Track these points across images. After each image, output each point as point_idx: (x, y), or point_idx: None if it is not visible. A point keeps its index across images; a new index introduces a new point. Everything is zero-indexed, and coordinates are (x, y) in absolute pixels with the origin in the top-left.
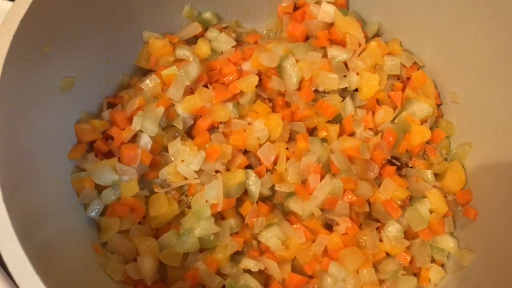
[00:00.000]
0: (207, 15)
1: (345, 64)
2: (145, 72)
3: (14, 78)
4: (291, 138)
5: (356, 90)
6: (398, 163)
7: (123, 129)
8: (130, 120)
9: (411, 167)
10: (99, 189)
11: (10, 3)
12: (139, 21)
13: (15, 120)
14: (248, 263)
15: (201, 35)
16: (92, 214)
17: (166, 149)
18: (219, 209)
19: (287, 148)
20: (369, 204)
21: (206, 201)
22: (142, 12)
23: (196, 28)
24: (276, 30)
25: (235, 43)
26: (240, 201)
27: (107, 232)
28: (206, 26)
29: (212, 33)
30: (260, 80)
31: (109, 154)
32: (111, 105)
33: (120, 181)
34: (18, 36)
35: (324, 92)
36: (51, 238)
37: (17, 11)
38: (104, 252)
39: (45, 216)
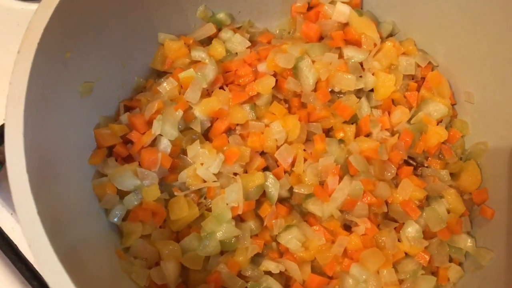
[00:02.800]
0: (221, 15)
1: (361, 64)
2: (159, 74)
3: (39, 86)
4: (308, 139)
5: (372, 90)
6: (414, 163)
7: (143, 133)
8: (149, 123)
9: (427, 167)
10: (121, 194)
11: (14, 1)
12: (154, 23)
13: (40, 128)
14: (269, 265)
15: (215, 35)
16: (114, 220)
17: (184, 152)
18: (239, 212)
19: (304, 150)
20: (387, 204)
21: (227, 204)
22: (157, 14)
23: (210, 29)
24: (289, 29)
25: (249, 43)
26: (258, 203)
27: (130, 237)
28: (219, 27)
29: (226, 34)
30: (275, 81)
31: (128, 158)
32: (127, 108)
33: (141, 185)
34: (41, 44)
35: (340, 92)
36: (75, 244)
37: (40, 19)
38: (127, 257)
39: (68, 222)
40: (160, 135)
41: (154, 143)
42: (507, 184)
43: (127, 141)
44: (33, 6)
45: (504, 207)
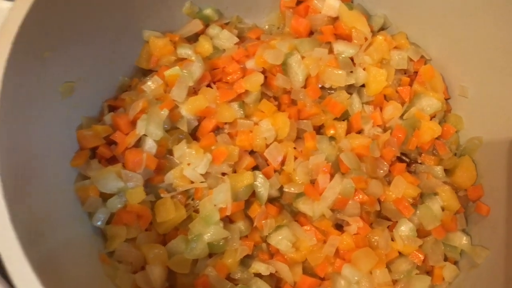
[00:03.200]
0: (208, 11)
1: (351, 59)
2: (145, 72)
3: (15, 85)
4: (298, 137)
5: (363, 85)
6: (407, 160)
7: (127, 133)
8: (133, 123)
9: (421, 163)
10: (104, 196)
11: (7, 2)
12: (139, 20)
13: (16, 129)
14: (259, 267)
15: (202, 32)
16: (98, 224)
17: (170, 152)
18: (228, 213)
19: (294, 148)
20: (379, 202)
21: (215, 206)
22: (142, 11)
23: (197, 25)
24: (278, 24)
25: (237, 40)
26: (248, 203)
27: (114, 241)
28: (207, 23)
29: (213, 30)
30: (264, 78)
31: (112, 160)
32: (112, 108)
33: (125, 188)
34: (17, 42)
35: (330, 88)
36: (56, 249)
37: (15, 16)
38: (111, 262)
39: (49, 226)
40: (145, 135)
41: (139, 143)
42: (503, 179)
43: (111, 142)
44: None
45: (500, 203)
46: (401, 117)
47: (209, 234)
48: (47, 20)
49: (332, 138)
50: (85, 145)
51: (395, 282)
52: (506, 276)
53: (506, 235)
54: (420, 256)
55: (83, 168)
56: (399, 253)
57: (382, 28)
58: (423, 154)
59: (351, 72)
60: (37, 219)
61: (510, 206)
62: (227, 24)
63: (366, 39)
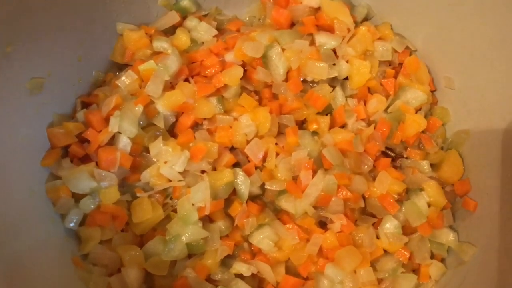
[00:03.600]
0: (185, 2)
1: (334, 51)
2: (120, 67)
3: None
4: (280, 132)
5: (346, 78)
6: (392, 154)
7: (100, 131)
8: (106, 120)
9: (406, 158)
10: (77, 197)
11: None
12: (112, 12)
13: None
14: (240, 267)
15: (179, 24)
16: (71, 225)
17: (147, 150)
18: (206, 213)
19: (276, 143)
20: (364, 198)
21: (193, 205)
22: (115, 2)
23: (173, 17)
24: (259, 16)
25: (216, 32)
26: (228, 201)
27: (87, 243)
28: (184, 15)
29: (191, 22)
30: (244, 71)
31: (85, 159)
32: (85, 105)
33: (99, 188)
34: None
35: (312, 82)
36: (23, 253)
37: None
38: (85, 265)
39: (16, 229)
40: (119, 132)
41: (113, 141)
42: (491, 173)
43: (84, 140)
44: None
45: (488, 198)
46: (386, 110)
47: (187, 235)
48: (6, 12)
49: (314, 133)
50: (56, 144)
51: (380, 281)
52: (494, 274)
53: (495, 231)
54: (405, 254)
55: (54, 168)
56: (384, 251)
57: (365, 19)
58: (408, 149)
59: (334, 64)
60: (3, 221)
61: (499, 201)
62: (205, 15)
63: (349, 30)
